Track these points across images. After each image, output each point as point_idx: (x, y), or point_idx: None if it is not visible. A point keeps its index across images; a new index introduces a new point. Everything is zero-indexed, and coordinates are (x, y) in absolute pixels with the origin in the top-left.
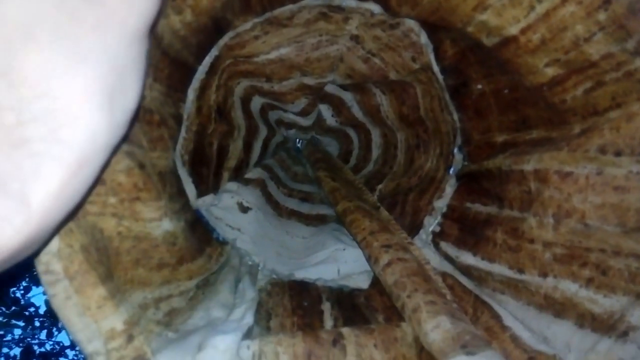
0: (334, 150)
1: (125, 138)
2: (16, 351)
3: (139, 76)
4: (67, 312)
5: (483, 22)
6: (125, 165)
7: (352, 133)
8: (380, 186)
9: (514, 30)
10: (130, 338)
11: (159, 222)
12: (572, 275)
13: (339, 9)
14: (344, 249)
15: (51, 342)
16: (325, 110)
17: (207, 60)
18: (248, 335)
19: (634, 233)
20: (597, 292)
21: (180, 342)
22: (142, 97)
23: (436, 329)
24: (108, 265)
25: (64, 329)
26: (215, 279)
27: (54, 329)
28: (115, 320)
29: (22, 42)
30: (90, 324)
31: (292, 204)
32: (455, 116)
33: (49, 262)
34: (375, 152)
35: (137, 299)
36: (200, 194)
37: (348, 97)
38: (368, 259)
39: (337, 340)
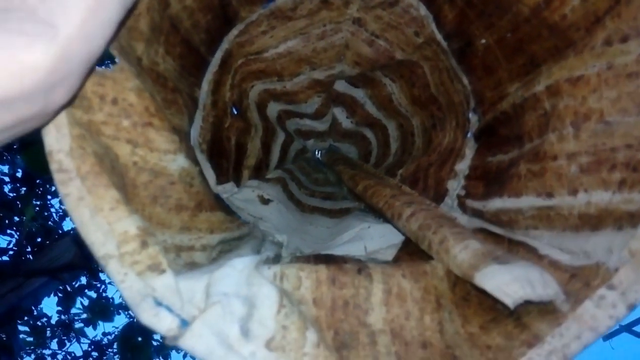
0: (354, 156)
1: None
2: None
3: None
4: (80, 213)
5: None
6: (135, 85)
7: (369, 134)
8: (400, 171)
9: None
10: (144, 244)
11: (174, 156)
12: (602, 184)
13: None
14: (369, 227)
15: (62, 352)
16: (340, 113)
17: (219, 54)
18: (267, 262)
19: None
20: (631, 191)
21: (197, 268)
22: (156, 63)
23: (464, 250)
24: (124, 189)
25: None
26: (237, 244)
27: (65, 339)
28: (128, 224)
29: None
30: (102, 225)
31: (314, 202)
32: (465, 80)
33: (61, 161)
34: (394, 146)
35: (158, 238)
36: (220, 182)
37: (360, 94)
38: (391, 218)
39: (362, 269)
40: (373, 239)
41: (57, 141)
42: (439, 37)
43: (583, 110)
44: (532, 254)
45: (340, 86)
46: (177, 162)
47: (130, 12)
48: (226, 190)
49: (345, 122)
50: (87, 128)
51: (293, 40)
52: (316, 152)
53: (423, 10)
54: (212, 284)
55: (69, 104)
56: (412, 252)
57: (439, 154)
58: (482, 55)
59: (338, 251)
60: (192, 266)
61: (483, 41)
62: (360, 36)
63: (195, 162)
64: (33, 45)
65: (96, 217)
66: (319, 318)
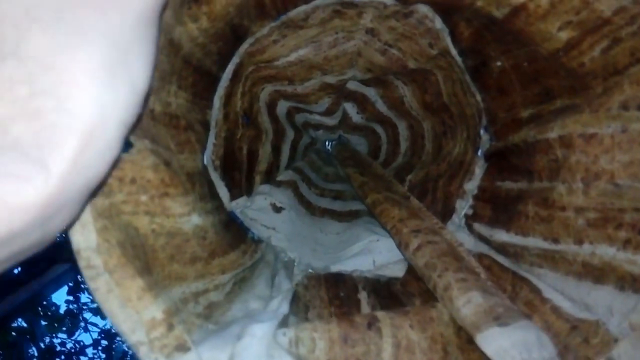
0: (363, 148)
1: (140, 123)
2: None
3: (145, 57)
4: (110, 305)
5: None
6: (152, 162)
7: (379, 129)
8: (409, 176)
9: None
10: (170, 327)
11: (188, 217)
12: (608, 239)
13: (352, 4)
14: (378, 240)
15: (72, 341)
16: (350, 108)
17: (230, 67)
18: (284, 323)
19: None
20: (635, 252)
21: (220, 333)
22: (168, 104)
23: (468, 304)
24: (145, 261)
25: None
26: (250, 273)
27: (75, 328)
28: (155, 310)
29: (28, 23)
30: (132, 314)
31: (324, 202)
32: (479, 97)
33: (89, 258)
34: (404, 145)
35: (177, 294)
36: (234, 197)
37: (371, 92)
38: (399, 245)
39: (372, 323)
40: (381, 253)
41: (84, 239)
42: (453, 51)
43: (594, 169)
44: (536, 295)
45: (352, 84)
46: (191, 222)
47: (140, 117)
48: (239, 205)
49: (356, 117)
50: (109, 214)
51: (304, 49)
52: (326, 143)
53: (439, 24)
54: (235, 355)
55: (71, 225)
56: (419, 277)
57: (449, 164)
58: (497, 77)
59: (347, 265)
60: (211, 307)
61: (499, 63)
62: (373, 45)
63: (209, 215)
64: (23, 188)
65: (125, 307)
66: None
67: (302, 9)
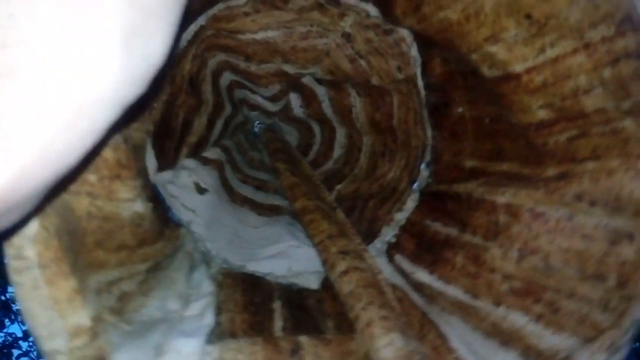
0: (294, 140)
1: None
2: None
3: (169, 25)
4: (32, 304)
5: (490, 54)
6: (114, 139)
7: (316, 128)
8: (339, 187)
9: (519, 68)
10: (95, 336)
11: (131, 203)
12: (524, 309)
13: (336, 3)
14: (298, 247)
15: (2, 334)
16: (295, 100)
17: (192, 28)
18: (210, 338)
19: (591, 280)
20: (545, 328)
21: (139, 339)
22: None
23: (389, 346)
24: (76, 249)
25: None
26: (167, 263)
27: (6, 320)
28: (82, 316)
29: None
30: (55, 318)
31: (246, 190)
32: (429, 133)
33: (22, 247)
34: (337, 152)
35: (94, 283)
36: (160, 168)
37: (321, 91)
38: (324, 262)
39: (296, 350)
40: (299, 260)
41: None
42: (420, 83)
43: (533, 244)
44: (442, 342)
45: (306, 79)
46: (133, 208)
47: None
48: (164, 180)
49: (298, 110)
50: None
51: (274, 31)
52: (255, 125)
53: (414, 51)
54: None
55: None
56: (335, 296)
57: (381, 186)
58: (454, 121)
59: (263, 266)
60: (123, 298)
61: (460, 110)
62: (344, 51)
63: (146, 197)
64: None
65: (49, 309)
66: None
67: None
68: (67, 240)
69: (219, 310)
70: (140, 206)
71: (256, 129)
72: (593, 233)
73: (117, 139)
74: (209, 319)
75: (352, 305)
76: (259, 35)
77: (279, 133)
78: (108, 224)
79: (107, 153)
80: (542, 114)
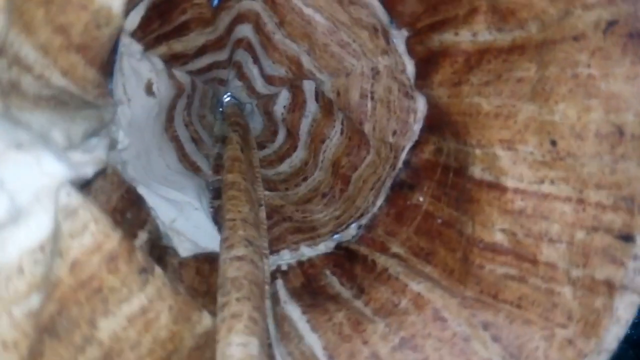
0: (253, 132)
1: None
2: None
3: None
4: None
5: (495, 156)
6: None
7: (281, 135)
8: (267, 194)
9: (511, 183)
10: None
11: None
12: None
13: (387, 40)
14: (196, 209)
15: None
16: (283, 98)
17: None
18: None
19: None
20: None
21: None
22: None
23: (242, 346)
24: None
25: None
26: (78, 106)
27: None
28: None
29: None
30: None
31: (182, 133)
32: (379, 203)
33: None
34: (285, 167)
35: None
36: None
37: (312, 108)
38: (223, 240)
39: (148, 270)
40: (188, 220)
41: None
42: (402, 157)
43: (419, 342)
44: None
45: (309, 84)
46: None
47: None
48: (132, 51)
49: (278, 108)
50: None
51: (322, 19)
52: (227, 94)
53: (416, 127)
54: None
55: None
56: (200, 269)
57: (304, 219)
58: (407, 206)
59: (152, 199)
60: (15, 87)
61: (420, 199)
62: (363, 82)
63: None
64: None
65: None
66: (61, 286)
67: None
68: None
69: (88, 192)
70: None
71: (226, 98)
72: None
73: None
74: (87, 170)
75: (228, 290)
76: (307, 10)
77: (245, 116)
78: None
79: None
80: (499, 238)
